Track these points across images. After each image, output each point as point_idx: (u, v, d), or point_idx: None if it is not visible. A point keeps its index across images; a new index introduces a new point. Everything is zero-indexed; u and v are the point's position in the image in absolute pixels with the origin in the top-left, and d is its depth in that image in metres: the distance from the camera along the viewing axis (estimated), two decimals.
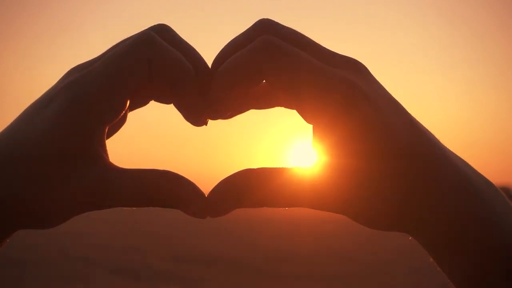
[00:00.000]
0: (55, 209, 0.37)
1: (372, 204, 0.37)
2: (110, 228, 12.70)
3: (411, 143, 0.37)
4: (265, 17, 0.40)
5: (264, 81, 0.39)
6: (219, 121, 0.41)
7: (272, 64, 0.37)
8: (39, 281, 6.59)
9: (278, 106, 0.42)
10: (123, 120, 0.42)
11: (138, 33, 0.39)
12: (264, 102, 0.42)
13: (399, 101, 0.40)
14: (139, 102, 0.42)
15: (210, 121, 0.41)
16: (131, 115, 0.42)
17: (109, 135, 0.41)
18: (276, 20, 0.40)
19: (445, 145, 0.40)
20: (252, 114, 0.43)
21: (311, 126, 0.39)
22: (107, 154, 0.39)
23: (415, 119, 0.39)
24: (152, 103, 0.43)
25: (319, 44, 0.40)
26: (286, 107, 0.41)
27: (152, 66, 0.38)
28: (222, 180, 0.38)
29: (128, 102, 0.38)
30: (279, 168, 0.38)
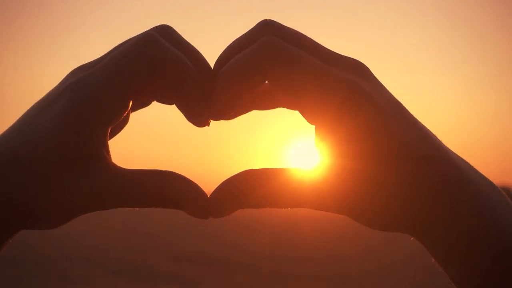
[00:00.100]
0: (58, 209, 0.37)
1: (374, 205, 0.37)
2: (111, 228, 12.69)
3: (414, 145, 0.37)
4: (267, 18, 0.40)
5: (266, 81, 0.39)
6: (221, 121, 0.41)
7: (274, 65, 0.37)
8: (39, 281, 6.59)
9: (280, 107, 0.42)
10: (125, 121, 0.42)
11: (140, 34, 0.39)
12: (266, 102, 0.42)
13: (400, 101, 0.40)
14: (142, 102, 0.42)
15: (212, 122, 0.41)
16: (134, 116, 0.43)
17: (112, 135, 0.41)
18: (277, 21, 0.40)
19: (446, 145, 0.40)
20: (253, 114, 0.43)
21: (312, 126, 0.39)
22: (109, 155, 0.39)
23: (417, 121, 0.39)
24: (154, 103, 0.43)
25: (321, 45, 0.40)
26: (288, 108, 0.41)
27: (155, 67, 0.38)
28: (225, 181, 0.38)
29: (131, 103, 0.39)
30: (281, 169, 0.38)
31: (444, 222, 0.37)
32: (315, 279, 7.24)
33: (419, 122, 0.39)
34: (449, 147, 0.40)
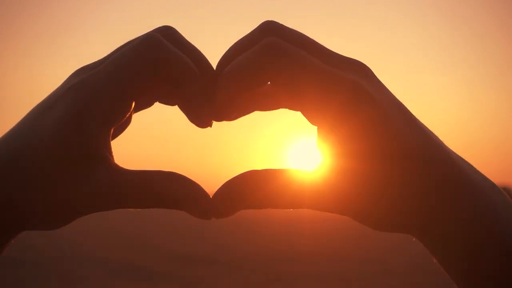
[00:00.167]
0: (59, 210, 0.37)
1: (376, 206, 0.37)
2: (110, 228, 12.69)
3: (416, 145, 0.37)
4: (269, 19, 0.40)
5: (269, 82, 0.39)
6: (223, 122, 0.41)
7: (276, 66, 0.37)
8: (39, 281, 6.59)
9: (282, 107, 0.42)
10: (128, 122, 0.42)
11: (143, 35, 0.39)
12: (268, 103, 0.42)
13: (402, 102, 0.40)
14: (144, 103, 0.42)
15: (213, 123, 0.41)
16: (136, 117, 0.43)
17: (114, 136, 0.41)
18: (278, 21, 0.40)
19: (447, 146, 0.40)
20: (253, 115, 0.43)
21: (314, 127, 0.40)
22: (112, 156, 0.39)
23: (419, 121, 0.39)
24: (157, 104, 0.43)
25: (323, 46, 0.40)
26: (290, 108, 0.41)
27: (157, 68, 0.38)
28: (227, 181, 0.38)
29: (133, 104, 0.39)
30: (284, 170, 0.38)
31: (446, 222, 0.37)
32: (315, 279, 7.24)
33: (421, 123, 0.39)
34: (450, 147, 0.40)
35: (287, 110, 0.42)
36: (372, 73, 0.40)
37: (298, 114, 0.40)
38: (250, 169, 0.38)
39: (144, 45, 0.38)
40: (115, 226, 13.09)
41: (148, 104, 0.42)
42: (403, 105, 0.39)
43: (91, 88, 0.37)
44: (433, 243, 0.38)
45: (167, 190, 0.37)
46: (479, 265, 0.37)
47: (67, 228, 0.39)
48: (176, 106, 0.42)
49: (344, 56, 0.40)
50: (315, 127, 0.40)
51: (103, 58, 0.40)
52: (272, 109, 0.42)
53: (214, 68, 0.41)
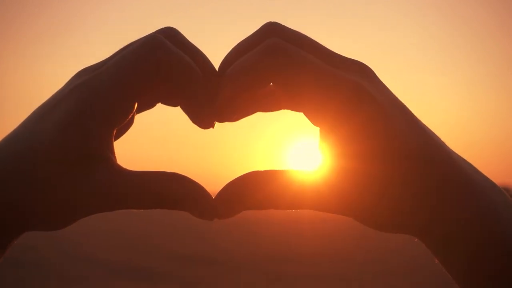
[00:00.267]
0: (62, 211, 0.38)
1: (377, 206, 0.38)
2: (110, 228, 12.69)
3: (417, 145, 0.37)
4: (272, 21, 0.40)
5: (271, 83, 0.39)
6: (225, 123, 0.41)
7: (279, 67, 0.37)
8: (39, 281, 6.59)
9: (284, 108, 0.42)
10: (130, 122, 0.42)
11: (146, 36, 0.39)
12: (270, 104, 0.42)
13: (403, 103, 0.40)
14: (147, 104, 0.42)
15: (216, 124, 0.41)
16: (139, 117, 0.43)
17: (117, 137, 0.41)
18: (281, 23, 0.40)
19: (448, 146, 0.40)
20: (254, 115, 0.43)
21: (316, 128, 0.40)
22: (114, 156, 0.39)
23: (421, 122, 0.39)
24: (159, 105, 0.43)
25: (325, 47, 0.40)
26: (292, 109, 0.41)
27: (160, 69, 0.38)
28: (230, 182, 0.38)
29: (136, 105, 0.39)
30: (286, 170, 0.38)
31: (447, 222, 0.37)
32: (315, 279, 7.23)
33: (423, 124, 0.39)
34: (450, 148, 0.40)
35: (287, 110, 0.42)
36: (374, 74, 0.40)
37: (298, 114, 0.40)
38: (252, 170, 0.38)
39: (146, 46, 0.38)
40: (115, 226, 13.08)
41: (151, 105, 0.43)
42: (405, 106, 0.39)
43: (93, 89, 0.38)
44: (434, 243, 0.38)
45: (166, 190, 0.37)
46: (480, 265, 0.37)
47: (67, 229, 0.39)
48: (179, 107, 0.42)
49: (345, 57, 0.40)
50: (316, 128, 0.40)
51: (105, 59, 0.40)
52: (274, 110, 0.42)
53: (217, 69, 0.41)
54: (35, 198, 0.37)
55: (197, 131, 0.41)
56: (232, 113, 0.41)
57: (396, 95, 0.40)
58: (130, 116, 0.39)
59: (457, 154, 0.40)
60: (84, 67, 0.41)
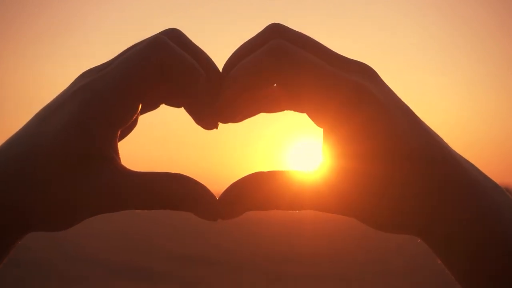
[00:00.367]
0: (66, 211, 0.38)
1: (378, 206, 0.38)
2: (110, 228, 12.68)
3: (418, 145, 0.38)
4: (276, 22, 0.40)
5: (274, 84, 0.39)
6: (228, 123, 0.41)
7: (282, 68, 0.38)
8: (39, 281, 6.59)
9: (288, 109, 0.42)
10: (134, 123, 0.42)
11: (150, 37, 0.39)
12: (274, 105, 0.42)
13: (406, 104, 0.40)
14: (150, 105, 0.42)
15: (219, 124, 0.41)
16: (142, 118, 0.43)
17: (121, 138, 0.42)
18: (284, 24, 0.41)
19: (451, 147, 0.40)
20: (257, 115, 0.43)
21: (318, 129, 0.40)
22: (119, 157, 0.39)
23: (424, 123, 0.39)
24: (163, 106, 0.43)
25: (329, 48, 0.40)
26: (296, 110, 0.41)
27: (164, 70, 0.38)
28: (234, 183, 0.38)
29: (140, 106, 0.39)
30: (289, 171, 0.38)
31: (448, 222, 0.37)
32: (315, 279, 7.23)
33: (426, 125, 0.39)
34: (452, 149, 0.40)
35: (289, 111, 0.42)
36: (377, 74, 0.40)
37: (299, 115, 0.40)
38: (256, 171, 0.38)
39: (150, 47, 0.38)
40: (115, 226, 13.06)
41: (155, 106, 0.43)
42: (408, 107, 0.40)
43: (97, 90, 0.38)
44: (436, 244, 0.38)
45: (170, 191, 0.37)
46: (481, 265, 0.37)
47: (67, 229, 0.40)
48: (182, 108, 0.42)
49: (349, 58, 0.40)
50: (317, 129, 0.40)
51: (110, 61, 0.40)
52: (277, 111, 0.43)
53: (220, 70, 0.41)
54: (36, 199, 0.37)
55: (201, 132, 0.41)
56: (235, 113, 0.41)
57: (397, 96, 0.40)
58: (134, 117, 0.39)
59: (459, 155, 0.40)
60: (84, 67, 0.41)
